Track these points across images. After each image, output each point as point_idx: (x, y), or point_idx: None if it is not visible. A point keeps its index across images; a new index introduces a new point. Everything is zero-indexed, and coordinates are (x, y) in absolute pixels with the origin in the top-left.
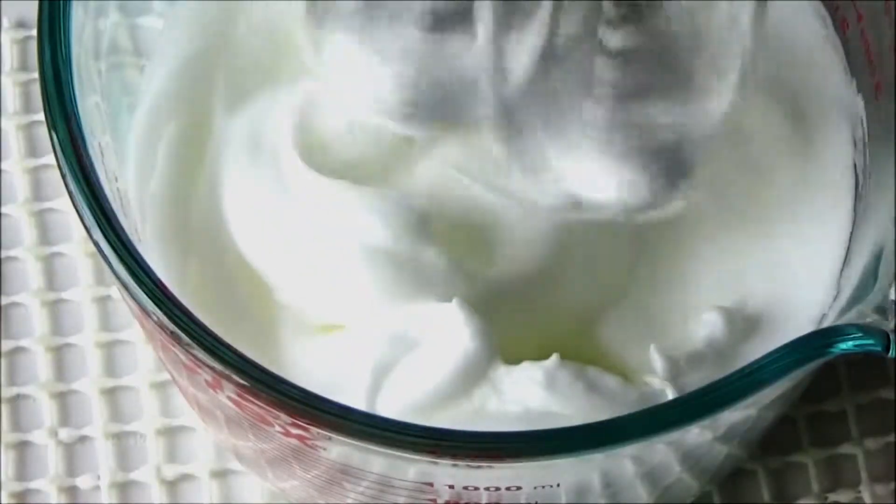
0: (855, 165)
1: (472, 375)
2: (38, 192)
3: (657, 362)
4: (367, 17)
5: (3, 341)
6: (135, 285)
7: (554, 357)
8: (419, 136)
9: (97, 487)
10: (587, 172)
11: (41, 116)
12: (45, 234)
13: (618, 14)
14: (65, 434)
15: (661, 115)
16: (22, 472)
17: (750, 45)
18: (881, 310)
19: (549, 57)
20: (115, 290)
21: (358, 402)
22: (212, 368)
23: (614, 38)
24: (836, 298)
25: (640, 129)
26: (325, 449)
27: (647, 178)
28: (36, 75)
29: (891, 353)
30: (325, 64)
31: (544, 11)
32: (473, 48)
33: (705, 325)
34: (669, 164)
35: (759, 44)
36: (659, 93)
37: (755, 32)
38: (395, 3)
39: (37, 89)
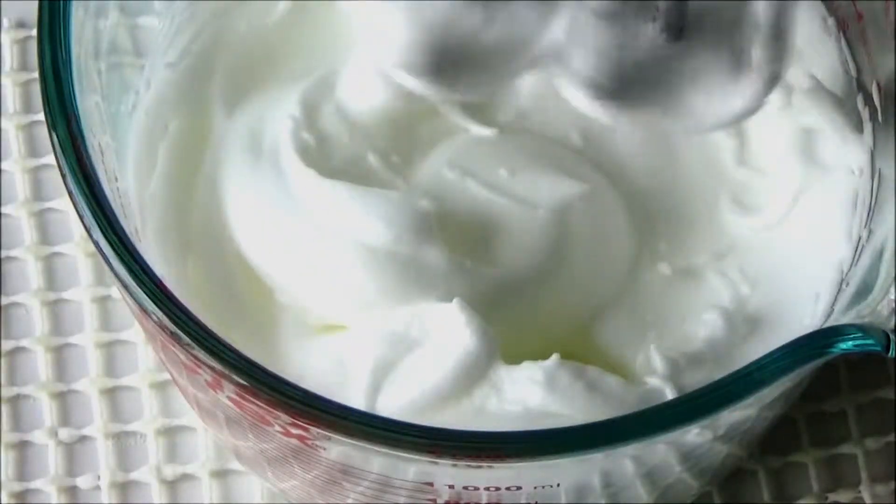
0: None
1: (473, 375)
2: (38, 192)
3: (657, 362)
4: None
5: (3, 341)
6: (135, 285)
7: (554, 357)
8: (434, 96)
9: (97, 487)
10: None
11: (41, 116)
12: (45, 234)
13: None
14: (65, 434)
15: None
16: (22, 472)
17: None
18: (881, 310)
19: None
20: (115, 290)
21: (358, 402)
22: (212, 368)
23: None
24: (836, 298)
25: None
26: (325, 449)
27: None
28: (36, 75)
29: (891, 353)
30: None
31: None
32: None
33: (705, 325)
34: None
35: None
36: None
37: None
38: None
39: (37, 89)
